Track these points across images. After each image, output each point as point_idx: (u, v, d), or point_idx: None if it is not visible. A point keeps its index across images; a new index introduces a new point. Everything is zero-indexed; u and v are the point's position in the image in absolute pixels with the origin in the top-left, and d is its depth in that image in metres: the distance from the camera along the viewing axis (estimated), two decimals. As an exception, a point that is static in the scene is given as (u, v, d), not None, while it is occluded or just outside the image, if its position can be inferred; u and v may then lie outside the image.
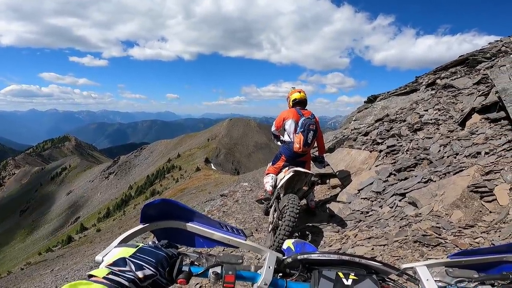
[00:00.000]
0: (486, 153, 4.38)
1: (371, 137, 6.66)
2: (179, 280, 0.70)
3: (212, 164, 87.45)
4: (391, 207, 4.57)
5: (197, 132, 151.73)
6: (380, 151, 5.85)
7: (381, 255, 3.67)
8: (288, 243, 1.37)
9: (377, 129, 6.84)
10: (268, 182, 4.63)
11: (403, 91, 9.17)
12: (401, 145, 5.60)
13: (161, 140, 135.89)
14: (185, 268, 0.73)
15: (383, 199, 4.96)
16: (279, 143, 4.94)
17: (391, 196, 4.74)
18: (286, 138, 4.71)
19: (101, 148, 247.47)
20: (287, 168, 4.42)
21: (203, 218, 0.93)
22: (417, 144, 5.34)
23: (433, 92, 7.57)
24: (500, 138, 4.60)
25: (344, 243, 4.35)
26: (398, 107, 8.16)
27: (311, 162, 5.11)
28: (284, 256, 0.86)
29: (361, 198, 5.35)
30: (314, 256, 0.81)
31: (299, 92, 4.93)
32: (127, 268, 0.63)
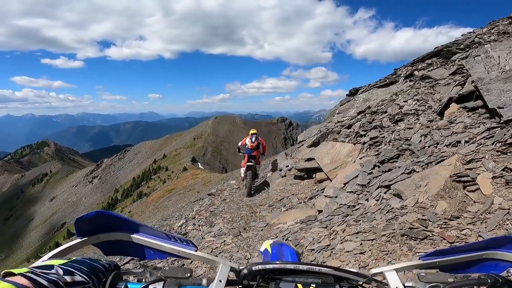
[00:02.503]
0: (466, 141, 4.46)
1: (354, 129, 6.71)
2: None
3: (199, 163, 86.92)
4: (377, 200, 4.60)
5: (183, 131, 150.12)
6: (364, 143, 5.90)
7: (369, 250, 3.68)
8: (266, 245, 1.33)
9: (359, 121, 6.90)
10: (242, 172, 9.44)
11: (383, 83, 9.33)
12: (383, 137, 5.66)
13: (145, 141, 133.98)
14: (121, 285, 0.69)
15: (368, 191, 4.99)
16: (240, 153, 9.75)
17: (377, 189, 4.78)
18: (247, 145, 9.18)
19: (83, 152, 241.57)
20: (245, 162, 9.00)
21: (149, 229, 0.88)
22: (399, 135, 5.41)
23: (412, 83, 7.70)
24: (479, 127, 4.69)
25: (332, 238, 4.35)
26: (379, 99, 8.27)
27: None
28: (241, 267, 0.78)
29: (347, 192, 5.37)
30: (269, 266, 0.74)
31: (254, 129, 9.65)
32: (52, 271, 0.59)
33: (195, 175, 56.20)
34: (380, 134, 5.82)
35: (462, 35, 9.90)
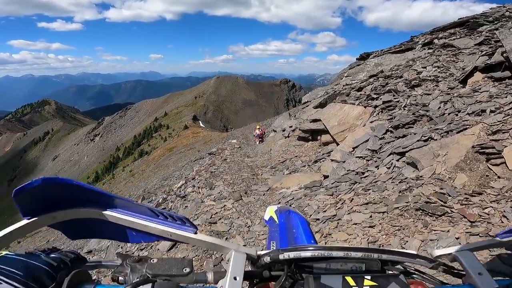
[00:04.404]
0: (492, 111, 4.06)
1: (365, 92, 6.27)
2: None
3: (200, 122, 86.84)
4: (388, 168, 4.29)
5: (184, 90, 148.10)
6: (375, 106, 5.49)
7: (380, 223, 3.42)
8: (271, 212, 1.19)
9: (371, 84, 6.46)
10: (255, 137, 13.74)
11: (397, 49, 9.02)
12: (398, 101, 5.24)
13: (147, 100, 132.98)
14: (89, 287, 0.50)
15: (379, 158, 4.67)
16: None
17: (388, 155, 4.44)
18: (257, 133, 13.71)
19: (83, 110, 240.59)
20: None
21: (128, 204, 0.64)
22: (415, 100, 4.99)
23: (431, 51, 7.41)
24: (506, 97, 4.29)
25: (339, 208, 4.10)
26: (393, 64, 7.91)
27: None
28: (258, 252, 0.59)
29: (356, 157, 5.06)
30: (306, 254, 0.55)
31: (259, 125, 16.65)
32: None
33: (196, 134, 56.35)
34: (395, 98, 5.40)
35: (490, 8, 9.69)
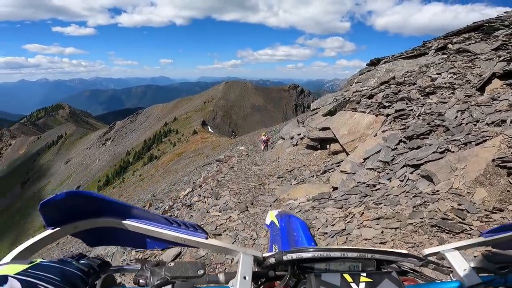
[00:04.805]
0: (513, 121, 3.81)
1: (376, 100, 6.05)
2: None
3: (209, 127, 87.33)
4: (402, 181, 4.08)
5: (193, 95, 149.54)
6: (387, 115, 5.27)
7: (392, 240, 3.23)
8: (271, 216, 1.25)
9: (383, 91, 6.22)
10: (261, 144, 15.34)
11: (410, 55, 8.80)
12: (411, 109, 5.02)
13: (157, 104, 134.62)
14: None
15: (392, 170, 4.46)
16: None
17: (402, 168, 4.23)
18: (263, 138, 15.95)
19: (96, 115, 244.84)
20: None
21: (143, 213, 0.71)
22: (430, 108, 4.75)
23: (445, 56, 7.19)
24: None
25: (348, 222, 3.91)
26: (405, 70, 7.68)
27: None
28: (264, 254, 0.66)
29: (367, 169, 4.85)
30: (307, 255, 0.61)
31: (264, 132, 19.58)
32: (4, 287, 0.45)
33: (204, 139, 56.65)
34: (408, 107, 5.17)
35: (505, 12, 9.47)
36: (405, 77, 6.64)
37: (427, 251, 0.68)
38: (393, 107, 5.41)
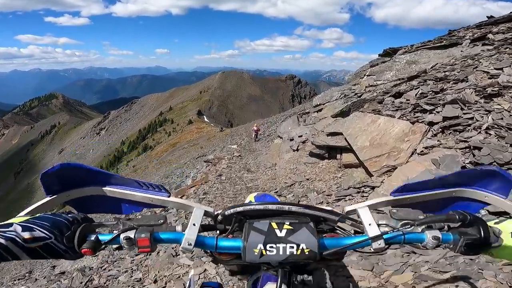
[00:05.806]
0: None
1: (408, 100, 4.51)
2: (83, 250, 0.63)
3: (205, 117, 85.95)
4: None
5: (189, 85, 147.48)
6: (431, 123, 3.75)
7: None
8: (250, 197, 1.48)
9: (416, 89, 4.65)
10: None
11: (437, 44, 7.56)
12: (471, 118, 3.48)
13: (152, 94, 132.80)
14: (91, 237, 0.65)
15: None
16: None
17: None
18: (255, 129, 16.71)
19: (90, 104, 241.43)
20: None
21: (120, 179, 0.82)
22: (502, 118, 3.21)
23: (490, 47, 5.87)
24: None
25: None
26: (433, 62, 6.28)
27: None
28: (216, 212, 0.75)
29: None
30: (240, 209, 0.71)
31: (256, 125, 18.94)
32: (10, 229, 0.59)
33: (200, 129, 55.46)
34: (464, 113, 3.63)
35: None
36: (444, 72, 5.09)
37: (347, 208, 0.73)
38: (438, 112, 3.86)
